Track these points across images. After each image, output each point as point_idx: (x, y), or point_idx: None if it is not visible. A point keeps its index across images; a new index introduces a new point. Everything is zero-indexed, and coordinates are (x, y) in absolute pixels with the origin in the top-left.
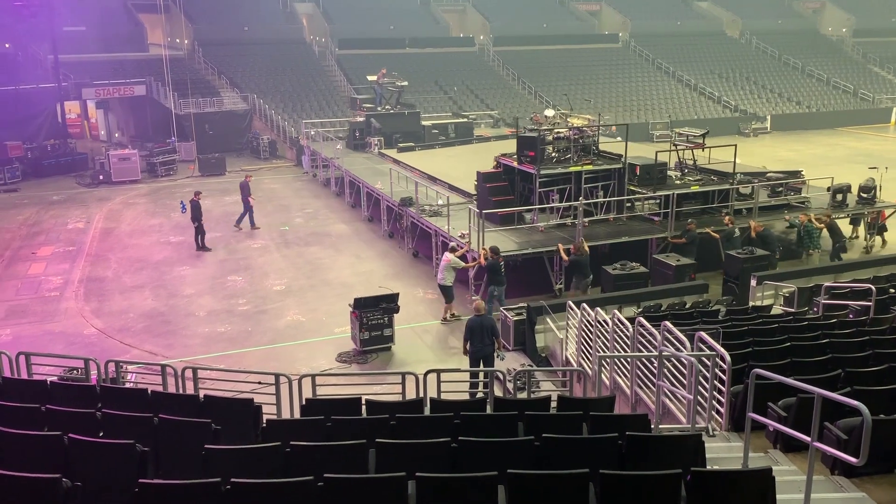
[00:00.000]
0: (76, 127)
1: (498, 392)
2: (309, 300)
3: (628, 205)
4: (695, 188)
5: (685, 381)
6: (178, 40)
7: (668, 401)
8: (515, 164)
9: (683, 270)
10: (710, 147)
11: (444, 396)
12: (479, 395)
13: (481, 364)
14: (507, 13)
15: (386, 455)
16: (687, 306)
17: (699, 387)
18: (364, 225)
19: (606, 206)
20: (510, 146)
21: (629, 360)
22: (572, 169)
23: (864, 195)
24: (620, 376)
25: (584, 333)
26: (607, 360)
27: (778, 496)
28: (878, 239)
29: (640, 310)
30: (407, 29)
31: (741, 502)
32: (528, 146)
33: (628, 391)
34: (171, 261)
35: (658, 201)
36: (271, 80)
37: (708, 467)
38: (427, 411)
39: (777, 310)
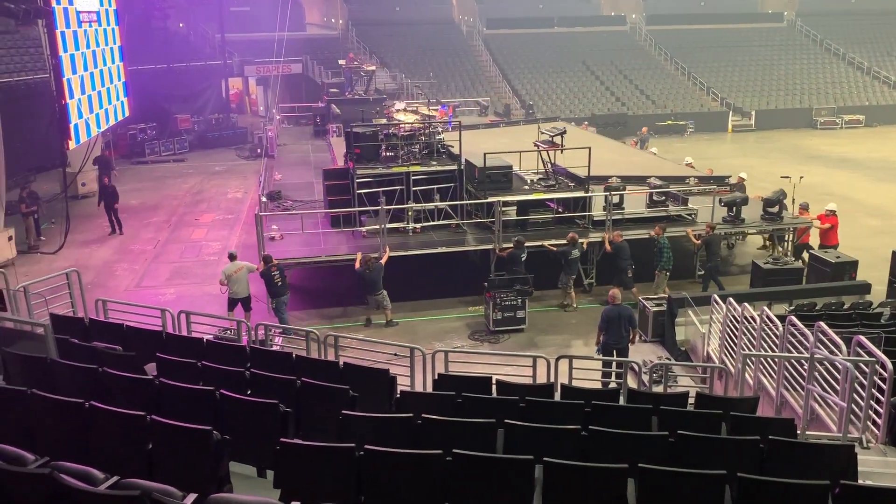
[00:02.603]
0: (238, 102)
1: (632, 383)
2: None
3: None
4: (537, 195)
5: (838, 388)
6: (332, 20)
7: (817, 406)
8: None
9: (842, 268)
10: (566, 148)
11: (574, 383)
12: (612, 385)
13: (614, 355)
14: None
15: (514, 437)
16: (845, 307)
17: (854, 394)
18: None
19: (446, 211)
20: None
21: (777, 360)
22: (397, 170)
23: (770, 210)
24: (766, 377)
25: (728, 329)
26: (753, 358)
27: None
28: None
29: (791, 308)
30: (556, 8)
31: None
32: (352, 143)
33: (773, 393)
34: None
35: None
36: (420, 60)
37: (860, 481)
38: (557, 397)
39: None
